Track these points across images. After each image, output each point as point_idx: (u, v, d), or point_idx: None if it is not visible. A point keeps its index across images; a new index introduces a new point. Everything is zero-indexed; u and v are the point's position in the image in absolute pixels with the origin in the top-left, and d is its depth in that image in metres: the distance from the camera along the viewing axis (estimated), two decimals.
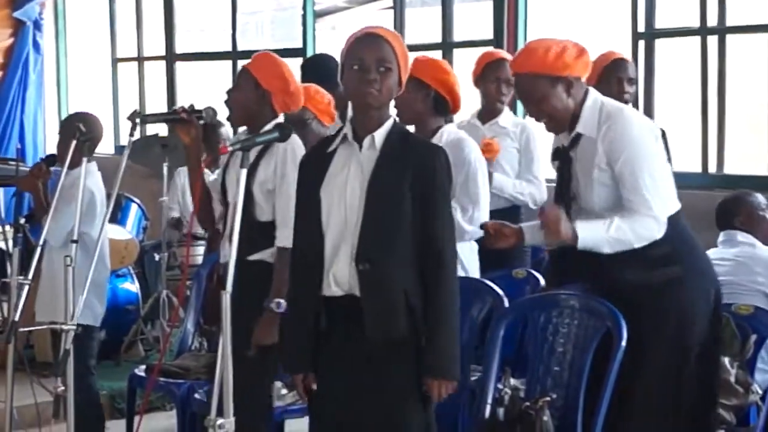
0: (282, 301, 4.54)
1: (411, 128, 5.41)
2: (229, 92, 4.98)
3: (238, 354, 3.98)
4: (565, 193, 4.61)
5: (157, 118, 5.09)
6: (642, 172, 4.42)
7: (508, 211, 6.21)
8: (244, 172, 3.95)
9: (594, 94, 4.59)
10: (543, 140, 6.36)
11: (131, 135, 5.16)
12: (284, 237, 4.74)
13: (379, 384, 4.03)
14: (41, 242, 5.39)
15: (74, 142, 5.47)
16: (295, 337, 4.18)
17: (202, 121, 5.03)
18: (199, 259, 8.35)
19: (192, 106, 4.98)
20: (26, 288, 5.29)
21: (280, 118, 5.00)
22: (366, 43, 4.06)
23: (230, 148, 4.09)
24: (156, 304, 8.20)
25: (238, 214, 3.92)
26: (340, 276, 4.05)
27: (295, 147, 4.85)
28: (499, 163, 6.39)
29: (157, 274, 8.31)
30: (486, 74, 6.51)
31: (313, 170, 4.15)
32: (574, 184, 4.56)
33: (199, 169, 4.95)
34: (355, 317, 4.02)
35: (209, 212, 5.23)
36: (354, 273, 4.02)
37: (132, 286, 8.30)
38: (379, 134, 4.05)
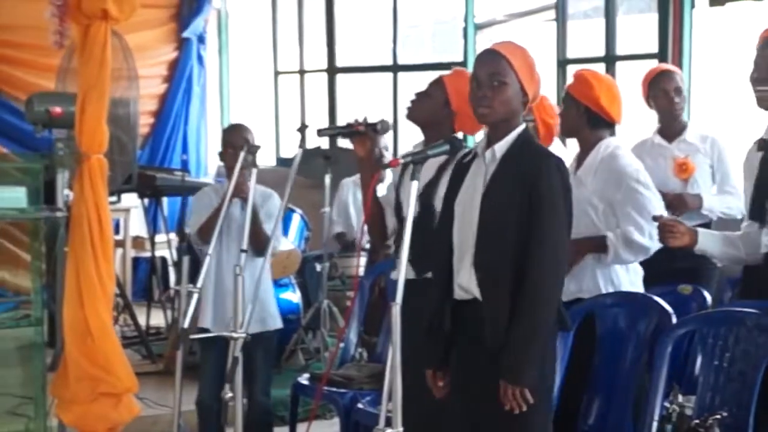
0: None
1: (573, 141, 5.45)
2: (418, 94, 4.96)
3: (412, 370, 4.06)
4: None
5: (334, 131, 5.09)
6: None
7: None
8: (415, 184, 4.04)
9: None
10: (733, 150, 6.30)
11: (300, 147, 5.25)
12: None
13: (493, 387, 4.10)
14: (210, 251, 5.50)
15: (242, 154, 5.58)
16: (429, 336, 4.32)
17: (377, 134, 5.01)
18: (361, 270, 8.44)
19: (366, 119, 4.99)
20: (195, 296, 5.41)
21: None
22: (481, 59, 4.26)
23: (402, 161, 4.14)
24: (317, 313, 8.28)
25: (408, 229, 3.96)
26: (465, 283, 4.20)
27: None
28: (696, 181, 6.30)
29: (319, 285, 8.38)
30: (652, 90, 6.43)
31: (453, 182, 4.34)
32: None
33: (372, 182, 4.94)
34: (479, 321, 4.15)
35: (381, 226, 5.20)
36: (475, 280, 4.16)
37: (293, 296, 8.41)
38: (500, 146, 4.20)
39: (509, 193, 4.09)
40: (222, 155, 6.09)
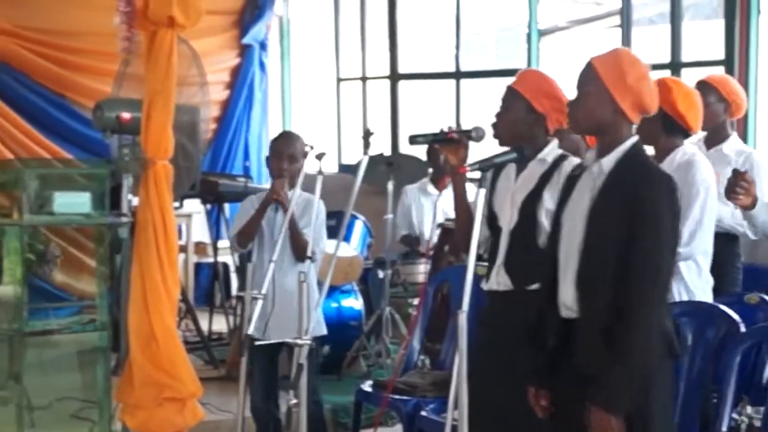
0: None
1: (650, 149, 5.36)
2: (497, 114, 4.86)
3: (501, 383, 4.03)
4: None
5: (426, 138, 4.98)
6: None
7: (725, 237, 6.07)
8: (483, 192, 4.00)
9: None
10: None
11: (365, 153, 5.25)
12: None
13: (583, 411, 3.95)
14: (274, 258, 5.52)
15: (304, 161, 5.61)
16: (533, 352, 4.20)
17: (470, 141, 4.93)
18: (422, 278, 8.42)
19: (459, 126, 4.94)
20: (259, 302, 5.43)
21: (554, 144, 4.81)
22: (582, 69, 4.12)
23: (469, 169, 4.12)
24: (379, 320, 8.27)
25: (475, 235, 3.94)
26: (567, 300, 4.05)
27: None
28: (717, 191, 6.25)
29: (381, 291, 8.37)
30: None
31: (562, 196, 4.18)
32: None
33: (464, 190, 4.88)
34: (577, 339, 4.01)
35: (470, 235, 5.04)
36: (575, 298, 4.01)
37: (356, 303, 8.41)
38: (608, 160, 4.01)
39: (615, 210, 3.93)
40: (268, 161, 6.13)
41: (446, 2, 10.59)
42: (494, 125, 4.82)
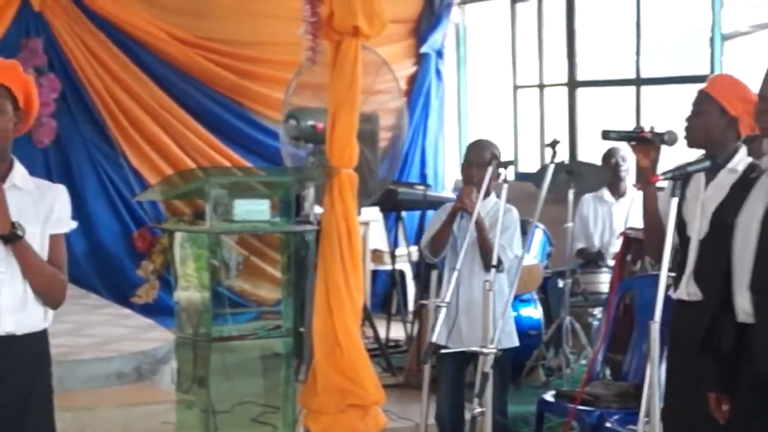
0: None
1: None
2: (689, 118, 4.81)
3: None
4: None
5: (619, 134, 4.98)
6: None
7: None
8: (675, 201, 3.94)
9: None
10: None
11: (552, 162, 5.22)
12: None
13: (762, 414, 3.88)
14: (458, 266, 5.51)
15: (490, 169, 5.59)
16: (711, 358, 4.14)
17: (663, 144, 4.90)
18: (602, 287, 8.32)
19: (653, 128, 4.87)
20: (443, 311, 5.42)
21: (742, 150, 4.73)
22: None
23: (662, 178, 4.07)
24: (559, 330, 8.21)
25: (668, 245, 3.89)
26: (744, 305, 3.96)
27: None
28: None
29: (560, 301, 8.31)
30: None
31: (735, 198, 4.14)
32: None
33: (654, 197, 4.81)
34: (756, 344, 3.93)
35: (660, 241, 4.69)
36: (750, 303, 3.93)
37: (535, 312, 8.35)
38: None
39: None
40: (463, 169, 6.10)
41: (626, 7, 10.44)
42: (686, 129, 4.76)
